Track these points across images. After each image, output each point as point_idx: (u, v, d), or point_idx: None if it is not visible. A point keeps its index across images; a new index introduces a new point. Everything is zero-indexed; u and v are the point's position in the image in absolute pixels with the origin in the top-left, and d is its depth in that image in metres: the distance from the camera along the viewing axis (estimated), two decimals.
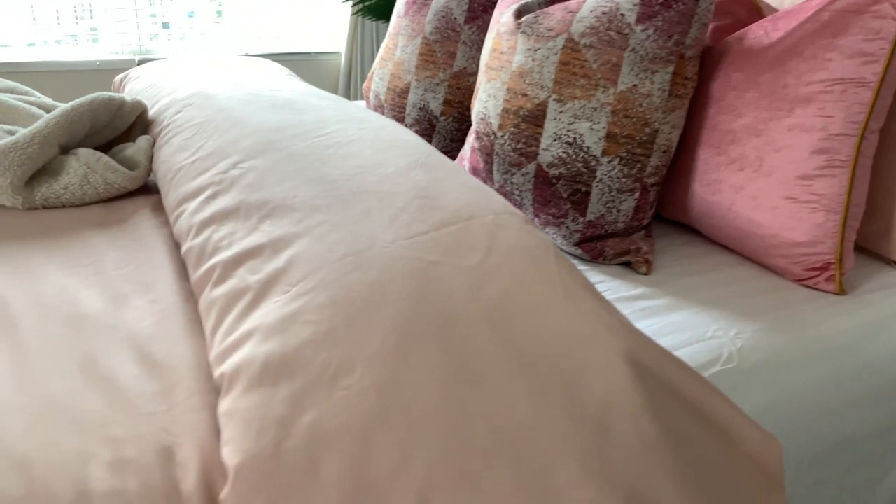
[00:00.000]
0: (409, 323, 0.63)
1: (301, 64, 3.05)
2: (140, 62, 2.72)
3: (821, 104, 0.99)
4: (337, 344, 0.63)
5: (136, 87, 1.48)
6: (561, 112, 1.09)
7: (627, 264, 1.09)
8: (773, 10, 1.21)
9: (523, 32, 1.15)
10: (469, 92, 1.49)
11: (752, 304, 0.96)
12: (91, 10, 2.70)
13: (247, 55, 2.97)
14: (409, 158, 0.90)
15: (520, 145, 1.14)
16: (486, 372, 0.60)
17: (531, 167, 1.13)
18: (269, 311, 0.69)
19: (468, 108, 1.50)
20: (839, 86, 0.98)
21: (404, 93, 1.54)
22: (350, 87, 3.09)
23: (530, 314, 0.65)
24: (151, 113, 1.29)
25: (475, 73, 1.48)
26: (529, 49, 1.13)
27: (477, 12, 1.46)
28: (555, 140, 1.10)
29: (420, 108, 1.52)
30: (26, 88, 1.43)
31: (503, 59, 1.19)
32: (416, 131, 1.53)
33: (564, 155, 1.09)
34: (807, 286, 1.03)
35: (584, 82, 1.07)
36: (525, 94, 1.13)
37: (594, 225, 1.09)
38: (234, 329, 0.70)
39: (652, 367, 0.64)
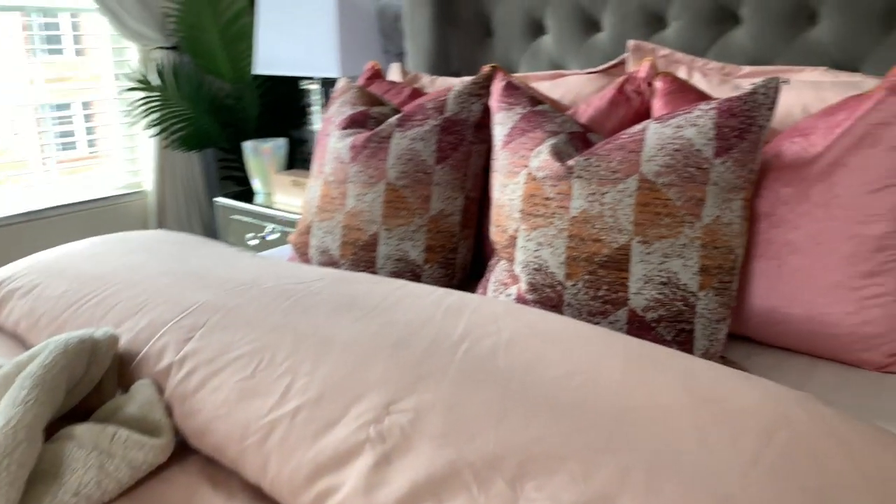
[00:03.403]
0: None
1: (103, 211, 2.59)
2: None
3: (872, 208, 1.06)
4: None
5: (38, 306, 1.08)
6: (648, 253, 1.02)
7: None
8: None
9: (579, 177, 1.07)
10: (450, 234, 1.35)
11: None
12: None
13: (42, 209, 2.45)
14: (610, 353, 0.77)
15: (601, 293, 1.05)
16: None
17: (621, 314, 1.04)
18: None
19: (451, 251, 1.36)
20: (883, 190, 1.06)
21: (370, 245, 1.35)
22: (163, 228, 2.69)
23: None
24: (123, 342, 0.95)
25: (454, 214, 1.35)
26: (593, 193, 1.05)
27: (447, 151, 1.34)
28: (646, 283, 1.03)
29: (397, 260, 1.34)
30: None
31: (552, 205, 1.09)
32: None
33: (661, 296, 1.02)
34: (888, 371, 1.07)
35: (670, 220, 1.02)
36: (598, 240, 1.05)
37: None
38: None
39: None
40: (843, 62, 1.57)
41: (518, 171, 1.16)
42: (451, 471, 0.65)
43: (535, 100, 1.25)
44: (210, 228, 2.82)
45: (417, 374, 0.76)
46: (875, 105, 1.08)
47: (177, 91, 2.50)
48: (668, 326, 1.03)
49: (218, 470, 0.83)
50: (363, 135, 1.40)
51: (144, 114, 2.47)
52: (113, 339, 0.91)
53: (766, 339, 1.17)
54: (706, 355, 1.04)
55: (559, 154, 1.12)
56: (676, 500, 0.57)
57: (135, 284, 1.04)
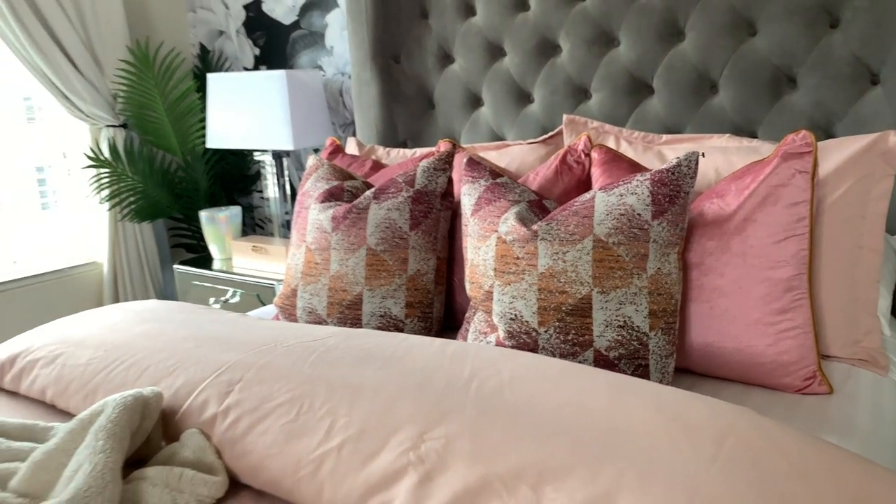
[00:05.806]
0: None
1: (56, 283, 2.61)
2: None
3: (779, 255, 1.30)
4: None
5: (66, 373, 1.17)
6: (606, 301, 1.23)
7: None
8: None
9: (543, 239, 1.27)
10: (426, 291, 1.53)
11: (829, 419, 1.20)
12: None
13: None
14: (593, 385, 0.95)
15: (570, 336, 1.24)
16: None
17: (588, 354, 1.23)
18: None
19: (428, 306, 1.53)
20: (786, 240, 1.31)
21: (355, 304, 1.51)
22: (118, 297, 2.73)
23: None
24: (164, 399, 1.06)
25: (428, 273, 1.53)
26: (556, 252, 1.26)
27: (419, 219, 1.53)
28: (607, 326, 1.23)
29: (381, 316, 1.50)
30: None
31: (522, 263, 1.29)
32: None
33: (620, 337, 1.22)
34: (805, 393, 1.31)
35: (621, 273, 1.23)
36: (564, 292, 1.25)
37: None
38: None
39: None
40: (742, 126, 1.87)
41: (488, 235, 1.36)
42: (484, 482, 0.81)
43: (495, 173, 1.46)
44: (165, 295, 2.88)
45: (441, 409, 0.92)
46: (773, 170, 1.33)
47: (130, 166, 2.59)
48: (628, 363, 1.23)
49: (267, 501, 0.96)
50: (342, 207, 1.56)
51: (99, 188, 2.55)
52: (159, 397, 1.04)
53: (704, 370, 1.38)
54: None
55: (523, 220, 1.32)
56: (661, 491, 0.76)
57: (160, 350, 1.16)
